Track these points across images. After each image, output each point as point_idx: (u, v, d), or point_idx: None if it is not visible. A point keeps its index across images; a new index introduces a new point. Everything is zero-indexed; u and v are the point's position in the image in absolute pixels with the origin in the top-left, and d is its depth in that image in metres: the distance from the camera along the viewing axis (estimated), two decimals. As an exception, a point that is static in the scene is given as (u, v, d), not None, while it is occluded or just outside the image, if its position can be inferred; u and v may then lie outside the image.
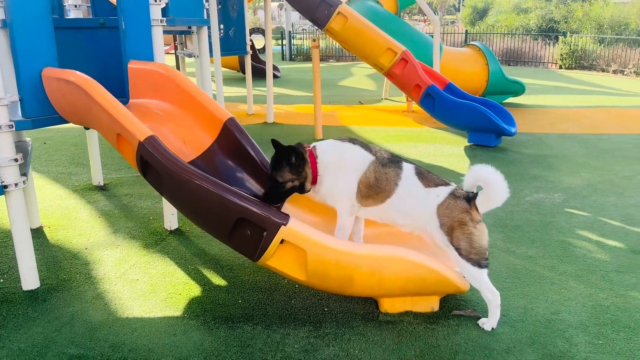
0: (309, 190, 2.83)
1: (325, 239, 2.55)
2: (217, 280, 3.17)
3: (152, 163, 2.60)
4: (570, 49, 14.60)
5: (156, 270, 3.31)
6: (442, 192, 2.67)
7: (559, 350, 2.47)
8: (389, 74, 6.43)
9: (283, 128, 7.58)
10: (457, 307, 2.83)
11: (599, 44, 14.52)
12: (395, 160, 2.76)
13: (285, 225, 2.49)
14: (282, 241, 2.53)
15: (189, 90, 3.11)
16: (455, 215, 2.61)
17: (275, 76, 13.98)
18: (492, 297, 2.62)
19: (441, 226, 2.63)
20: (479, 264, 2.59)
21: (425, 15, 9.19)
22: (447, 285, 2.69)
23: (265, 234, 2.52)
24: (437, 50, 8.00)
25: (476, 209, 2.65)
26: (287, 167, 2.70)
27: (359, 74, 15.07)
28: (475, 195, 2.68)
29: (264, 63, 14.20)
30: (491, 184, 2.60)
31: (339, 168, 2.73)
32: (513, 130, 6.05)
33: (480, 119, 5.96)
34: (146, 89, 3.30)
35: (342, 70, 16.10)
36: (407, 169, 2.73)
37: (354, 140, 2.84)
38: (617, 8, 18.37)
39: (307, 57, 20.07)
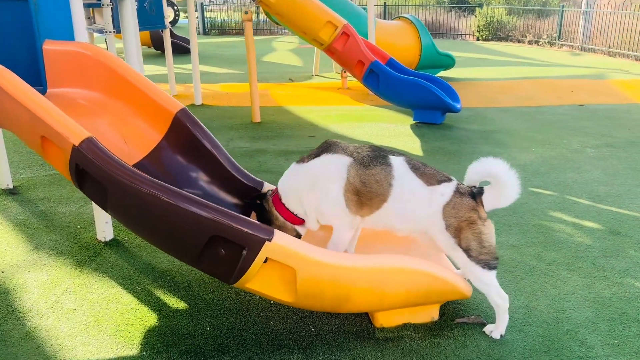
0: (300, 235, 2.54)
1: (318, 253, 2.14)
2: (175, 302, 2.68)
3: (92, 173, 2.05)
4: (487, 20, 14.89)
5: (96, 295, 2.75)
6: (447, 189, 2.33)
7: (577, 355, 2.25)
8: (329, 50, 6.01)
9: (214, 111, 6.97)
10: (457, 313, 2.55)
11: (511, 15, 14.92)
12: (378, 157, 2.36)
13: (269, 240, 2.06)
14: (265, 260, 2.10)
15: (128, 77, 2.55)
16: (462, 215, 2.29)
17: (188, 50, 13.11)
18: (501, 301, 2.34)
19: (447, 228, 2.30)
20: (488, 265, 2.30)
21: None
22: (452, 293, 2.38)
23: (244, 252, 2.07)
24: (372, 23, 7.67)
25: (482, 205, 2.34)
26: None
27: (281, 49, 14.51)
28: (480, 190, 2.37)
29: (178, 38, 13.25)
30: (502, 181, 2.29)
31: (311, 189, 2.34)
32: (458, 106, 5.88)
33: (427, 96, 5.73)
34: (68, 75, 2.68)
35: (263, 45, 15.43)
36: (398, 165, 2.36)
37: (321, 149, 2.44)
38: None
39: (223, 31, 19.13)
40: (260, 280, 2.16)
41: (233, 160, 2.69)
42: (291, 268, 2.12)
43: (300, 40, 16.11)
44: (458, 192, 2.33)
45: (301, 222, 2.51)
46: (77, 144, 2.02)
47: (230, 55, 12.96)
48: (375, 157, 2.35)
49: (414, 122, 6.10)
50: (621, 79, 8.75)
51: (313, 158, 2.41)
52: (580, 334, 2.39)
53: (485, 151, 5.07)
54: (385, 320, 2.44)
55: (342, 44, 5.91)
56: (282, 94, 8.02)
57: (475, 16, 15.23)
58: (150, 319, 2.54)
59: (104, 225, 3.31)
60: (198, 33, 19.63)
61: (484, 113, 6.59)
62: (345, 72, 8.24)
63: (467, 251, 2.28)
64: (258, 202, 2.55)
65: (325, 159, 2.36)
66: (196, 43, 7.36)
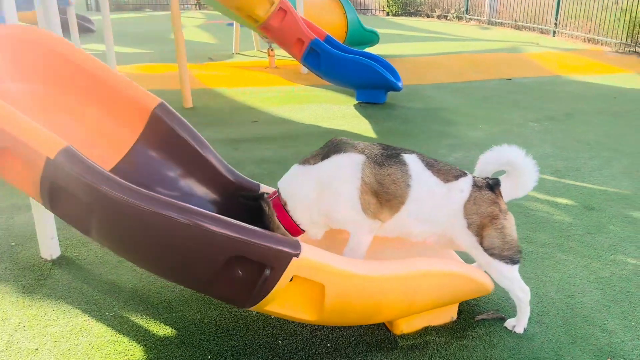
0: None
1: (348, 264, 1.89)
2: (159, 328, 2.31)
3: (74, 191, 1.63)
4: (392, -6, 15.04)
5: (59, 328, 2.31)
6: (465, 184, 2.16)
7: (603, 342, 2.21)
8: (265, 27, 5.64)
9: (137, 96, 6.33)
10: (473, 309, 2.42)
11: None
12: (392, 155, 2.14)
13: (297, 256, 1.77)
14: (291, 278, 1.81)
15: (88, 68, 2.09)
16: (484, 211, 2.13)
17: (89, 30, 11.98)
18: (523, 295, 2.23)
19: (469, 226, 2.13)
20: (512, 260, 2.18)
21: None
22: (478, 291, 2.24)
23: (267, 271, 1.77)
24: (300, -2, 7.34)
25: (501, 196, 2.20)
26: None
27: (189, 25, 13.67)
28: (497, 181, 2.22)
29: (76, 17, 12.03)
30: (520, 170, 2.16)
31: (322, 194, 2.08)
32: (400, 84, 5.77)
33: (371, 75, 5.56)
34: (4, 67, 2.16)
35: (167, 21, 14.46)
36: (413, 163, 2.14)
37: (328, 149, 2.17)
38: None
39: (119, 6, 17.73)
40: (282, 300, 1.88)
41: (220, 157, 2.34)
42: (319, 284, 1.85)
43: (208, 16, 15.32)
44: (476, 185, 2.17)
45: (301, 232, 2.24)
46: (52, 156, 1.59)
47: (135, 34, 11.99)
48: (389, 156, 2.12)
49: (357, 102, 5.92)
50: (535, 52, 9.14)
51: (320, 159, 2.13)
52: (597, 319, 2.36)
53: (436, 130, 5.02)
54: (406, 326, 2.25)
55: (279, 21, 5.57)
56: (207, 75, 7.50)
57: (384, -9, 15.32)
58: (135, 352, 2.16)
59: (50, 241, 2.81)
60: (89, 9, 18.06)
61: (419, 90, 6.55)
62: (272, 50, 7.87)
63: (489, 250, 2.14)
64: (255, 202, 2.23)
65: (336, 160, 2.10)
66: (109, 20, 6.63)
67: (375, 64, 5.54)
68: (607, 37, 9.51)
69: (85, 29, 11.58)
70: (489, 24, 12.90)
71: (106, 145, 2.07)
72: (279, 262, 1.76)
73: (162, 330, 2.29)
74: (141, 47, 10.16)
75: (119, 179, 1.62)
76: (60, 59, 2.07)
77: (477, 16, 13.29)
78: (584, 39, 10.01)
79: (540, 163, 4.01)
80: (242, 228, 1.70)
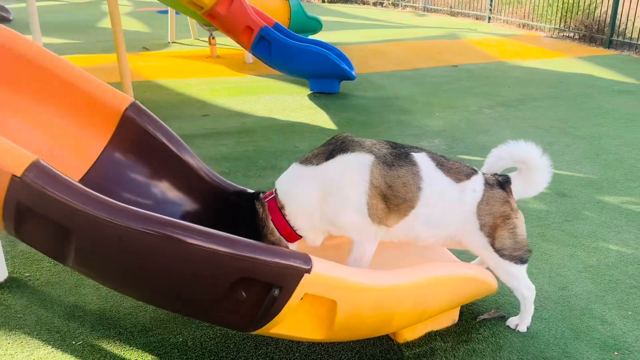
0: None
1: (362, 277, 1.72)
2: (137, 355, 2.05)
3: (46, 212, 1.36)
4: (331, -18, 14.87)
5: (20, 365, 2.00)
6: (478, 184, 2.03)
7: (606, 335, 2.18)
8: (211, 15, 5.31)
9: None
10: (472, 310, 2.32)
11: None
12: (401, 154, 1.98)
13: (309, 272, 1.59)
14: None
15: (45, 65, 1.79)
16: (497, 210, 2.02)
17: (5, 19, 11.02)
18: (529, 293, 2.16)
19: (482, 227, 2.01)
20: (521, 259, 2.09)
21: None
22: (485, 291, 2.15)
23: (276, 291, 1.58)
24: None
25: (512, 195, 2.10)
26: (245, 230, 1.96)
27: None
28: (507, 179, 2.12)
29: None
30: (535, 167, 2.06)
31: (325, 197, 1.89)
32: (354, 73, 5.63)
33: (326, 64, 5.37)
34: None
35: (91, 9, 13.58)
36: (424, 163, 1.99)
37: (333, 147, 1.99)
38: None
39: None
40: (289, 321, 1.69)
41: (199, 159, 2.10)
42: (331, 300, 1.68)
43: (136, 3, 14.53)
44: (488, 184, 2.06)
45: (298, 239, 2.05)
46: (19, 173, 1.30)
47: (60, 23, 11.14)
48: (398, 155, 1.95)
49: (311, 92, 5.72)
50: (474, 38, 9.28)
51: (324, 159, 1.94)
52: (595, 311, 2.33)
53: (395, 120, 4.92)
54: (410, 334, 2.12)
55: (225, 7, 5.25)
56: (145, 66, 7.03)
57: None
58: (115, 387, 1.91)
59: (-6, 262, 2.46)
60: (2, -4, 16.65)
61: (370, 79, 6.44)
62: (213, 38, 7.50)
63: (500, 251, 2.04)
64: (247, 202, 2.01)
65: (342, 160, 1.91)
66: (35, 8, 6.03)
67: (330, 53, 5.37)
68: (540, 22, 9.82)
69: (1, 19, 10.65)
70: (424, 10, 13.03)
71: (71, 153, 1.78)
72: (289, 281, 1.57)
73: (140, 357, 2.04)
74: (68, 37, 9.44)
75: (103, 197, 1.36)
76: (9, 55, 1.75)
77: (413, 3, 13.38)
78: (519, 24, 10.28)
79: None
80: (249, 245, 1.49)
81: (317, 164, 1.94)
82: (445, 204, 1.98)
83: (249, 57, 7.31)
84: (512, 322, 2.23)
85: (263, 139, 4.37)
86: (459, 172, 2.03)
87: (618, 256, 2.74)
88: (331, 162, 1.92)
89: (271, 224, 1.98)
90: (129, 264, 1.42)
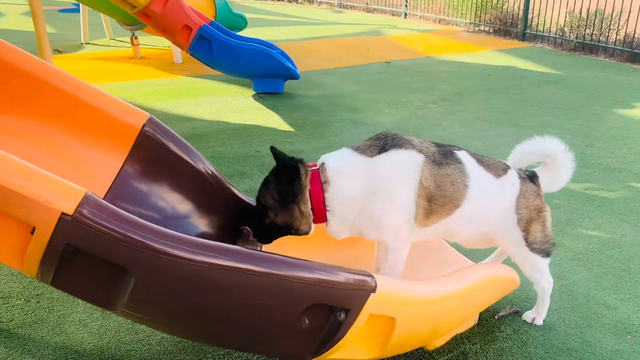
0: (308, 233, 1.86)
1: (419, 290, 1.65)
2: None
3: (101, 253, 1.16)
4: (243, -22, 14.55)
5: None
6: (514, 178, 2.04)
7: (615, 319, 2.27)
8: (145, 14, 4.95)
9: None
10: (488, 309, 2.33)
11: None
12: (447, 153, 1.95)
13: (374, 292, 1.49)
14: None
15: (50, 81, 1.54)
16: (532, 203, 2.04)
17: None
18: (548, 286, 2.20)
19: (519, 222, 2.02)
20: (547, 253, 2.13)
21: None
22: (513, 288, 2.15)
23: (342, 315, 1.47)
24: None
25: (541, 188, 2.13)
26: (270, 188, 1.80)
27: (12, 13, 11.78)
28: (534, 173, 2.14)
29: None
30: (560, 163, 2.09)
31: (374, 193, 1.79)
32: (298, 72, 5.53)
33: (270, 64, 5.22)
34: None
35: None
36: (467, 160, 1.97)
37: (385, 142, 1.90)
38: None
39: None
40: (349, 345, 1.58)
41: (220, 173, 1.92)
42: (390, 318, 1.59)
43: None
44: (522, 178, 2.08)
45: (323, 222, 1.90)
46: (71, 211, 1.09)
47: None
48: (445, 154, 1.92)
49: (255, 92, 5.54)
50: (396, 34, 9.48)
51: (379, 151, 1.85)
52: (597, 297, 2.43)
53: (347, 118, 4.88)
54: (439, 340, 2.08)
55: (161, 6, 4.92)
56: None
57: (229, -27, 14.77)
58: None
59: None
60: None
61: (310, 77, 6.35)
62: (136, 38, 7.05)
63: (532, 244, 2.06)
64: (292, 162, 1.84)
65: (396, 156, 1.84)
66: None
67: (274, 52, 5.23)
68: (456, 17, 10.24)
69: None
70: (340, 7, 13.14)
71: (87, 174, 1.54)
72: (356, 302, 1.46)
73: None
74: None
75: (167, 230, 1.18)
76: (5, 69, 1.47)
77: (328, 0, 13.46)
78: (435, 20, 10.66)
79: (459, 144, 4.11)
80: (321, 268, 1.37)
81: (371, 156, 1.84)
82: (489, 200, 1.97)
83: (178, 56, 6.96)
84: (528, 316, 2.26)
85: (219, 144, 4.15)
86: (497, 167, 2.03)
87: (599, 241, 2.88)
88: (385, 155, 1.84)
89: (307, 194, 1.83)
90: (196, 302, 1.25)
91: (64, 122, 1.59)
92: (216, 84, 5.90)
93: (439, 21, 10.55)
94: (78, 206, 1.10)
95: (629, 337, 2.18)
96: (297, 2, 13.92)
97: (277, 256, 1.31)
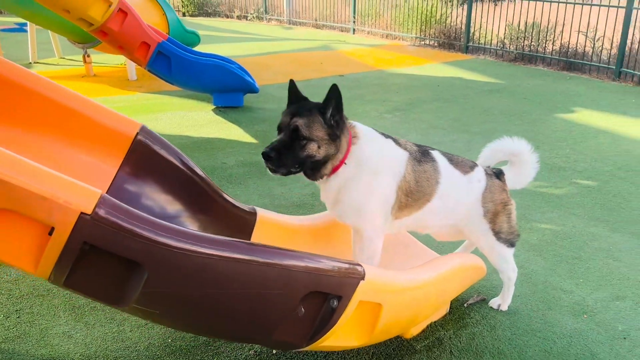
0: (323, 177, 1.92)
1: (400, 276, 1.79)
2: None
3: (118, 249, 1.24)
4: (189, -5, 14.57)
5: None
6: (481, 174, 2.23)
7: (571, 302, 2.48)
8: (102, 31, 4.95)
9: None
10: (456, 299, 2.50)
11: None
12: (425, 152, 2.14)
13: (363, 279, 1.62)
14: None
15: (43, 92, 1.60)
16: (497, 198, 2.23)
17: None
18: (513, 274, 2.39)
19: (485, 214, 2.20)
20: (512, 243, 2.32)
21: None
22: (481, 275, 2.33)
23: (335, 302, 1.58)
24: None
25: (506, 184, 2.32)
26: (321, 120, 1.80)
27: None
28: (500, 170, 2.34)
29: None
30: (525, 161, 2.30)
31: (376, 171, 1.93)
32: (257, 86, 5.63)
33: (230, 78, 5.31)
34: None
35: None
36: (440, 159, 2.16)
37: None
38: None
39: None
40: (340, 331, 1.69)
41: (208, 178, 2.01)
42: (377, 304, 1.72)
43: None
44: (488, 175, 2.26)
45: (336, 170, 1.94)
46: (89, 210, 1.16)
47: None
48: (423, 153, 2.11)
49: (215, 106, 5.60)
50: (346, 49, 9.75)
51: (382, 135, 2.05)
52: (554, 283, 2.64)
53: (307, 129, 5.02)
54: (415, 328, 2.22)
55: (119, 24, 4.94)
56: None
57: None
58: None
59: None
60: None
61: (267, 91, 6.46)
62: (88, 56, 6.97)
63: (497, 234, 2.24)
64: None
65: (390, 144, 2.02)
66: None
67: (234, 67, 5.32)
68: (402, 32, 10.63)
69: None
70: (289, 23, 13.35)
71: (85, 182, 1.58)
72: (347, 289, 1.58)
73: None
74: None
75: (175, 226, 1.27)
76: (3, 83, 1.52)
77: (277, 16, 13.65)
78: (382, 35, 11.02)
79: (443, 149, 4.30)
80: (315, 258, 1.48)
81: (380, 134, 2.04)
82: (457, 194, 2.14)
83: (133, 73, 6.93)
84: (494, 302, 2.44)
85: (184, 158, 4.19)
86: (465, 165, 2.21)
87: (552, 233, 3.12)
88: (386, 140, 2.03)
89: (348, 133, 1.94)
90: (204, 293, 1.33)
91: (58, 132, 1.63)
92: (174, 99, 5.92)
93: (386, 36, 10.92)
94: (95, 206, 1.17)
95: (585, 316, 2.39)
96: (247, 19, 14.04)
97: (278, 248, 1.42)
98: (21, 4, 6.41)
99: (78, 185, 1.18)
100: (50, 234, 1.18)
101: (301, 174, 1.91)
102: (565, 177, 3.95)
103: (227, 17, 14.42)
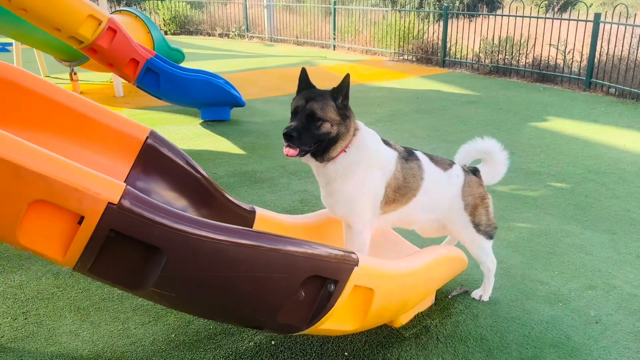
0: (330, 160, 2.09)
1: (391, 264, 1.96)
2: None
3: (141, 236, 1.38)
4: (172, 14, 14.72)
5: None
6: (459, 171, 2.43)
7: (547, 292, 2.67)
8: (92, 49, 5.09)
9: None
10: (441, 291, 2.67)
11: (194, 9, 15.14)
12: (410, 151, 2.34)
13: (357, 265, 1.78)
14: (348, 289, 1.81)
15: (58, 99, 1.74)
16: (475, 192, 2.43)
17: None
18: (493, 266, 2.57)
19: (465, 207, 2.40)
20: (490, 235, 2.50)
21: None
22: (463, 267, 2.51)
23: (332, 286, 1.74)
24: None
25: (482, 180, 2.52)
26: (333, 105, 2.02)
27: None
28: (476, 168, 2.54)
29: None
30: (496, 159, 2.49)
31: (369, 165, 2.11)
32: (244, 100, 5.80)
33: (217, 93, 5.47)
34: None
35: None
36: (422, 158, 2.36)
37: None
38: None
39: None
40: (337, 315, 1.85)
41: (213, 180, 2.17)
42: (369, 290, 1.88)
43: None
44: (465, 171, 2.45)
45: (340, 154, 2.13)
46: (115, 200, 1.31)
47: None
48: (409, 153, 2.30)
49: (203, 120, 5.74)
50: (328, 64, 10.00)
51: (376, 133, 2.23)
52: (531, 275, 2.83)
53: (294, 140, 5.19)
54: (404, 318, 2.38)
55: (108, 41, 5.08)
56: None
57: (159, 10, 14.90)
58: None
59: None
60: None
61: (252, 105, 6.64)
62: (75, 73, 7.08)
63: (477, 226, 2.43)
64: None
65: (382, 143, 2.22)
66: None
67: (221, 82, 5.48)
68: (381, 48, 10.93)
69: None
70: (270, 40, 13.60)
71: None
72: (343, 274, 1.74)
73: (163, 389, 2.01)
74: None
75: (193, 216, 1.42)
76: (17, 91, 1.66)
77: (259, 34, 13.89)
78: (362, 50, 11.31)
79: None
80: (315, 245, 1.64)
81: (374, 132, 2.23)
82: (438, 189, 2.33)
83: (120, 90, 7.05)
84: (476, 294, 2.61)
85: (176, 169, 4.33)
86: (444, 163, 2.40)
87: (528, 231, 3.32)
88: (379, 139, 2.22)
89: (354, 117, 2.14)
90: (216, 276, 1.47)
91: (77, 136, 1.77)
92: (162, 115, 6.05)
93: (366, 52, 11.21)
94: (121, 197, 1.31)
95: (560, 304, 2.58)
96: (229, 37, 14.25)
97: (282, 236, 1.57)
98: (8, 23, 6.52)
99: (105, 179, 1.32)
100: (79, 223, 1.32)
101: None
102: (540, 181, 4.17)
103: (209, 35, 14.63)
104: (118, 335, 2.32)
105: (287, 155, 2.02)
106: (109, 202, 1.30)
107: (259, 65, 9.83)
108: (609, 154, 4.84)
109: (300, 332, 1.83)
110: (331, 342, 2.25)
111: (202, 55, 10.83)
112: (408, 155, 2.28)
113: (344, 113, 2.06)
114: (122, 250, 1.38)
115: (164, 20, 14.86)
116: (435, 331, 2.35)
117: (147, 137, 1.94)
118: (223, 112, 5.73)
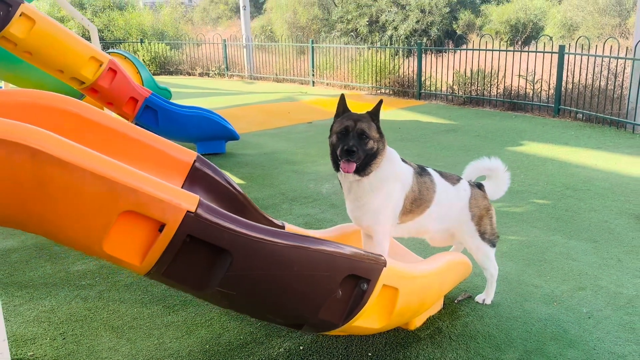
0: (368, 175, 2.35)
1: (412, 267, 2.21)
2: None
3: (214, 240, 1.61)
4: (152, 55, 15.00)
5: None
6: (466, 185, 2.71)
7: (543, 294, 2.94)
8: (93, 89, 5.31)
9: None
10: (446, 297, 2.91)
11: (173, 49, 15.46)
12: (422, 168, 2.64)
13: (385, 266, 2.02)
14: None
15: (117, 128, 1.98)
16: (481, 204, 2.71)
17: None
18: (494, 271, 2.83)
19: (472, 218, 2.67)
20: (493, 243, 2.78)
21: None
22: (469, 272, 2.77)
23: (365, 285, 1.98)
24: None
25: (486, 194, 2.80)
26: (374, 125, 2.32)
27: None
28: (480, 183, 2.82)
29: None
30: (501, 176, 2.79)
31: (395, 179, 2.39)
32: (237, 134, 6.06)
33: (213, 127, 5.73)
34: None
35: None
36: (434, 173, 2.65)
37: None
38: (152, 17, 19.64)
39: None
40: (368, 312, 2.07)
41: (249, 199, 2.43)
42: (394, 289, 2.12)
43: None
44: (471, 185, 2.74)
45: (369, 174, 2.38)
46: (193, 209, 1.53)
47: None
48: (422, 169, 2.58)
49: (199, 154, 5.95)
50: (309, 99, 10.38)
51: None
52: (526, 281, 3.10)
53: (290, 169, 5.45)
54: (418, 321, 2.61)
55: (109, 81, 5.33)
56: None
57: (138, 52, 15.18)
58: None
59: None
60: None
61: (245, 139, 6.85)
62: (67, 115, 7.24)
63: (482, 235, 2.70)
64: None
65: (401, 162, 2.51)
66: None
67: (217, 117, 5.74)
68: (358, 82, 11.38)
69: None
70: (250, 78, 13.98)
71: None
72: (374, 274, 1.98)
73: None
74: None
75: (252, 222, 1.66)
76: (81, 121, 1.88)
77: (239, 72, 14.27)
78: (340, 85, 11.75)
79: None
80: (352, 248, 1.89)
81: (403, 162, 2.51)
82: (449, 201, 2.61)
83: (112, 129, 7.24)
84: (479, 298, 2.87)
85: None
86: (452, 178, 2.69)
87: (519, 243, 3.62)
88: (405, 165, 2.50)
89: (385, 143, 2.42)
90: (273, 274, 1.69)
91: (132, 159, 1.99)
92: (159, 150, 6.25)
93: (344, 87, 11.65)
94: (197, 206, 1.54)
95: (555, 304, 2.85)
96: (209, 76, 14.59)
97: (324, 239, 1.81)
98: (3, 65, 6.69)
99: (183, 192, 1.55)
100: (160, 230, 1.54)
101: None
102: (523, 198, 4.50)
103: (189, 74, 14.94)
104: (155, 349, 2.49)
105: (345, 171, 2.27)
106: (187, 211, 1.53)
107: (242, 102, 10.14)
108: (582, 172, 5.23)
109: (335, 330, 2.04)
110: (355, 345, 2.46)
111: (186, 94, 11.10)
112: (421, 171, 2.57)
113: (381, 132, 2.35)
114: (193, 254, 1.60)
115: (144, 61, 15.13)
116: (447, 331, 2.58)
117: (194, 161, 2.17)
118: (219, 146, 5.98)
